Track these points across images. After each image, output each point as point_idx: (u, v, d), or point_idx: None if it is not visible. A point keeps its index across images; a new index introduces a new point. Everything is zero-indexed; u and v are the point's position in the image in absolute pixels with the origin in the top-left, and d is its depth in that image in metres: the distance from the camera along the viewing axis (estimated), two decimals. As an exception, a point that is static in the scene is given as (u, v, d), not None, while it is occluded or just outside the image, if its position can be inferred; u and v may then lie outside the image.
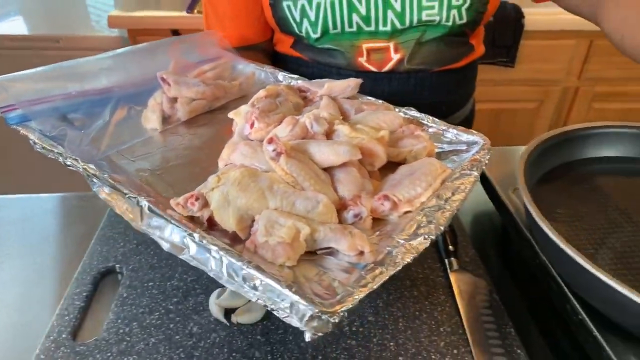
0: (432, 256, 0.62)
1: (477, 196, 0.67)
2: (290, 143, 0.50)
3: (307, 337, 0.36)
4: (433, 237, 0.43)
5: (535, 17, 1.66)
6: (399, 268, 0.40)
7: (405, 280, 0.58)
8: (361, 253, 0.43)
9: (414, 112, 0.63)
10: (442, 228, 0.44)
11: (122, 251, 0.61)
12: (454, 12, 0.68)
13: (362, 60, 0.73)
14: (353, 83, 0.63)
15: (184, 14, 1.62)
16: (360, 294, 0.37)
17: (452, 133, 0.59)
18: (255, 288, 0.38)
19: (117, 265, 0.59)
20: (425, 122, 0.62)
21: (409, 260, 0.41)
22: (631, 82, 1.84)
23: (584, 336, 0.46)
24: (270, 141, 0.49)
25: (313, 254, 0.45)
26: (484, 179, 0.67)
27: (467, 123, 0.88)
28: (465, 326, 0.52)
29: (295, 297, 0.36)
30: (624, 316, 0.43)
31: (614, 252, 0.51)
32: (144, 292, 0.55)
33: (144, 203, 0.44)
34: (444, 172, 0.52)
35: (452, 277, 0.58)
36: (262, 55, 0.79)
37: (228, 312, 0.52)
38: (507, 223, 0.62)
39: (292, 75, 0.69)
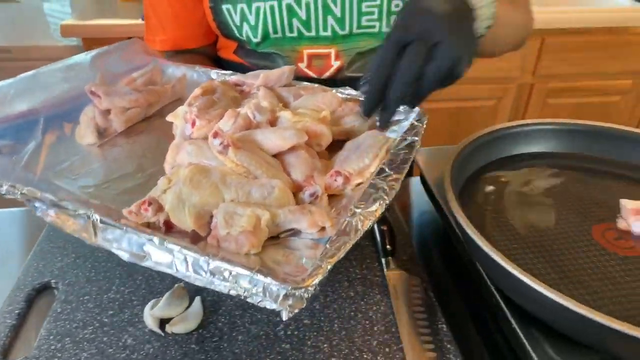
0: (370, 256, 0.63)
1: (422, 195, 0.68)
2: (236, 135, 0.51)
3: (284, 315, 0.37)
4: (387, 202, 0.46)
5: (488, 16, 1.70)
6: (361, 235, 0.42)
7: (343, 281, 0.59)
8: (323, 229, 0.45)
9: (350, 91, 0.66)
10: (394, 192, 0.47)
11: (60, 265, 0.60)
12: (395, 17, 0.70)
13: (303, 66, 0.74)
14: (287, 70, 0.65)
15: (139, 21, 1.61)
16: (329, 265, 0.39)
17: None
18: (225, 279, 0.39)
19: (52, 281, 0.58)
20: (362, 98, 0.63)
21: (369, 225, 0.43)
22: (582, 78, 1.90)
23: (507, 329, 0.48)
24: (216, 135, 0.50)
25: (277, 238, 0.47)
26: (423, 179, 0.68)
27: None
28: (398, 324, 0.53)
29: (267, 280, 0.37)
30: (543, 311, 0.44)
31: (537, 247, 0.53)
32: (78, 307, 0.54)
33: (95, 217, 0.43)
34: (387, 142, 0.55)
35: (388, 276, 0.59)
36: (204, 59, 0.79)
37: (163, 322, 0.52)
38: (443, 221, 0.63)
39: (225, 72, 0.70)
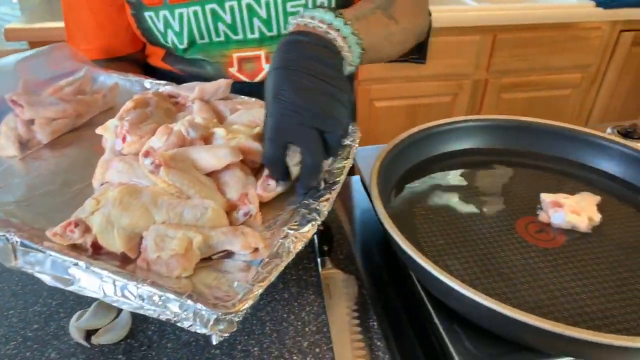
0: (307, 256, 0.63)
1: (363, 193, 0.69)
2: (169, 153, 0.50)
3: (214, 340, 0.37)
4: (319, 222, 0.47)
5: (441, 14, 1.73)
6: (293, 257, 0.43)
7: (278, 283, 0.59)
8: (256, 250, 0.45)
9: None
10: (325, 213, 0.49)
11: (-16, 280, 0.58)
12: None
13: (233, 70, 0.73)
14: (224, 84, 0.64)
15: (88, 24, 1.56)
16: (259, 289, 0.40)
17: None
18: (155, 304, 0.38)
19: (-25, 297, 0.56)
20: None
21: (300, 247, 0.44)
22: (534, 73, 1.95)
23: (429, 324, 0.49)
24: (147, 154, 0.49)
25: (209, 260, 0.46)
26: (361, 178, 0.69)
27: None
28: (330, 324, 0.53)
29: (198, 305, 0.37)
30: (460, 306, 0.45)
31: (462, 243, 0.54)
32: (2, 322, 0.53)
33: (15, 239, 0.42)
34: None
35: (323, 276, 0.59)
36: (133, 66, 0.78)
37: (90, 333, 0.51)
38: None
39: (160, 82, 0.68)
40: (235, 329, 0.37)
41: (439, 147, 0.67)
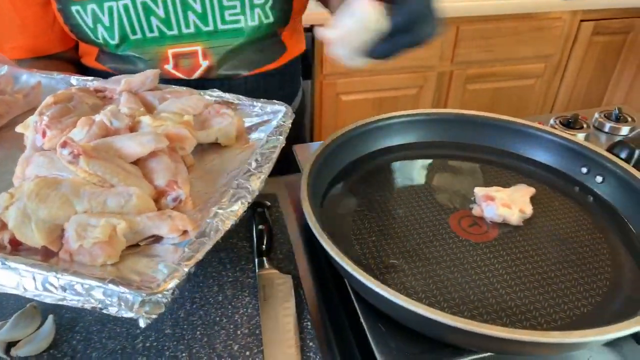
0: (246, 257, 0.62)
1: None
2: (91, 144, 0.49)
3: (142, 323, 0.36)
4: (249, 201, 0.47)
5: (403, 6, 1.72)
6: (222, 234, 0.43)
7: (213, 286, 0.58)
8: (185, 232, 0.44)
9: (219, 93, 0.66)
10: (256, 192, 0.48)
11: None
12: (258, 10, 0.69)
13: (169, 67, 0.71)
14: (151, 74, 0.63)
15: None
16: (185, 268, 0.39)
17: (258, 106, 0.64)
18: (78, 294, 0.38)
19: None
20: (231, 100, 0.65)
21: (229, 225, 0.44)
22: (498, 63, 1.97)
23: (356, 323, 0.48)
24: (64, 145, 0.47)
25: (137, 247, 0.45)
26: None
27: (299, 116, 0.89)
28: (262, 326, 0.52)
29: (121, 289, 0.37)
30: (382, 306, 0.45)
31: (394, 241, 0.54)
32: None
33: None
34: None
35: (260, 277, 0.58)
36: (66, 65, 0.75)
37: (10, 345, 0.49)
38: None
39: (87, 78, 0.66)
40: (162, 310, 0.37)
41: (376, 143, 0.66)
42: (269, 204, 0.68)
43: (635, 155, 0.59)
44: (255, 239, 0.63)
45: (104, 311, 0.37)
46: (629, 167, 0.57)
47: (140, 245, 0.46)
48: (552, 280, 0.48)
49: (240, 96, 0.66)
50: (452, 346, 0.43)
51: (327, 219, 0.56)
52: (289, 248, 0.63)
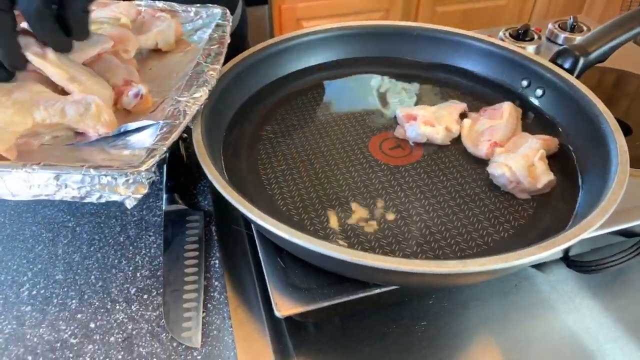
0: (156, 194, 0.56)
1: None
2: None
3: (129, 204, 0.37)
4: (210, 88, 0.46)
5: None
6: (190, 118, 0.42)
7: (115, 226, 0.53)
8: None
9: (148, 1, 0.62)
10: (215, 79, 0.47)
11: None
12: None
13: None
14: None
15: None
16: (164, 146, 0.38)
17: (192, 11, 0.61)
18: (57, 186, 0.37)
19: None
20: (162, 7, 0.62)
21: (196, 109, 0.43)
22: (468, -18, 1.84)
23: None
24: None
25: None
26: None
27: (239, 39, 0.81)
28: (164, 266, 0.48)
29: (103, 171, 0.36)
30: (279, 242, 0.40)
31: (306, 169, 0.48)
32: None
33: None
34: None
35: (166, 214, 0.53)
36: None
37: None
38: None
39: None
40: (146, 191, 0.37)
41: (291, 65, 0.59)
42: (184, 135, 0.61)
43: (580, 64, 0.53)
44: (165, 174, 0.57)
45: (86, 200, 0.37)
46: (571, 78, 0.51)
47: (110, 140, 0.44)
48: (475, 204, 0.44)
49: (173, 3, 0.62)
50: (356, 281, 0.39)
51: (232, 148, 0.50)
52: (204, 183, 0.58)
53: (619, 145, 0.42)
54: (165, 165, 0.58)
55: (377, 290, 0.38)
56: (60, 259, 0.49)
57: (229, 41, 0.54)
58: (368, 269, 0.33)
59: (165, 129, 0.41)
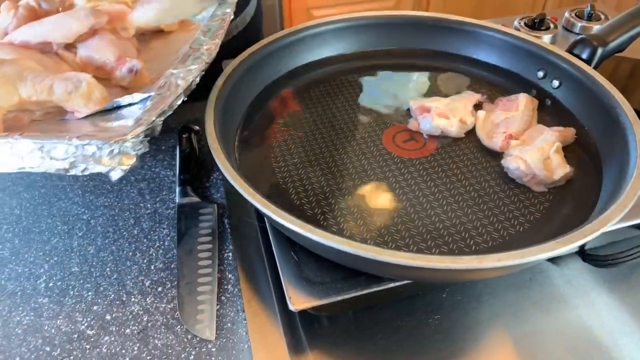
0: (169, 187, 0.57)
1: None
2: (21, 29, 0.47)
3: (116, 175, 0.35)
4: (207, 62, 0.45)
5: None
6: (182, 90, 0.41)
7: (129, 219, 0.53)
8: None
9: None
10: (213, 54, 0.46)
11: None
12: None
13: None
14: None
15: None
16: (152, 117, 0.37)
17: None
18: (41, 157, 0.36)
19: None
20: None
21: (190, 80, 0.42)
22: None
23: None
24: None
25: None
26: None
27: (253, 30, 0.80)
28: (179, 258, 0.48)
29: (86, 141, 0.35)
30: (292, 236, 0.40)
31: (319, 164, 0.48)
32: None
33: None
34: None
35: (180, 207, 0.53)
36: None
37: None
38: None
39: None
40: (134, 161, 0.35)
41: (303, 56, 0.58)
42: (197, 128, 0.62)
43: (598, 55, 0.52)
44: (178, 167, 0.57)
45: (71, 172, 0.35)
46: (588, 69, 0.50)
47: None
48: (489, 197, 0.43)
49: None
50: (369, 275, 0.39)
51: (245, 140, 0.50)
52: (217, 175, 0.58)
53: (638, 138, 0.41)
54: (178, 159, 0.58)
55: (391, 285, 0.38)
56: (76, 251, 0.50)
57: (231, 17, 0.53)
58: (381, 264, 0.33)
59: (156, 99, 0.40)
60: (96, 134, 0.38)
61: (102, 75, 0.48)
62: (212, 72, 0.52)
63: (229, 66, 0.51)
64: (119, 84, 0.47)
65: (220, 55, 0.60)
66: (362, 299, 0.39)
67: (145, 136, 0.36)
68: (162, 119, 0.38)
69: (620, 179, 0.39)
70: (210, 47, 0.46)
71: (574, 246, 0.32)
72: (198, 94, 0.49)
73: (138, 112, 0.41)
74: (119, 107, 0.43)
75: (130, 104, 0.43)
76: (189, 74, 0.42)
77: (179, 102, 0.40)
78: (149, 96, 0.41)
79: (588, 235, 0.33)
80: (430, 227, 0.41)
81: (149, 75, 0.48)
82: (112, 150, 0.35)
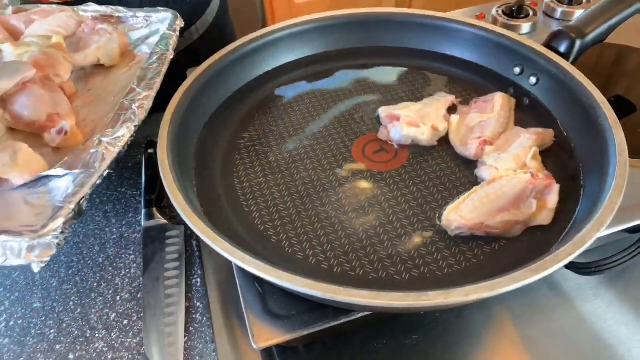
0: (135, 208, 0.54)
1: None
2: None
3: (35, 268, 0.34)
4: (136, 124, 0.44)
5: None
6: (108, 164, 0.40)
7: (94, 245, 0.51)
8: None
9: (95, 7, 0.59)
10: (145, 111, 0.45)
11: None
12: None
13: None
14: None
15: None
16: (71, 205, 0.37)
17: (141, 17, 0.58)
18: None
19: None
20: (109, 14, 0.59)
21: (116, 154, 0.41)
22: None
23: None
24: None
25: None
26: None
27: (217, 30, 0.77)
28: (144, 287, 0.46)
29: (2, 238, 0.35)
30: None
31: (284, 180, 0.46)
32: None
33: None
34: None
35: (146, 230, 0.51)
36: None
37: None
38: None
39: None
40: (54, 252, 0.35)
41: (267, 63, 0.55)
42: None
43: (576, 47, 0.49)
44: (143, 187, 0.55)
45: None
46: (565, 64, 0.47)
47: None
48: (459, 212, 0.41)
49: (120, 7, 0.59)
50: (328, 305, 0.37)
51: (206, 159, 0.47)
52: (185, 193, 0.56)
53: (618, 143, 0.39)
54: (143, 178, 0.55)
55: (360, 315, 0.36)
56: (38, 284, 0.48)
57: (172, 57, 0.51)
58: (345, 304, 0.31)
59: (79, 178, 0.39)
60: (28, 216, 0.38)
61: (34, 130, 0.45)
62: (177, 80, 0.49)
63: (182, 86, 0.48)
64: (50, 145, 0.45)
65: (184, 63, 0.58)
66: (331, 330, 0.37)
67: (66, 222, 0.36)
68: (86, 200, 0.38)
69: (600, 190, 0.37)
70: (144, 103, 0.45)
71: (546, 274, 0.30)
72: (165, 102, 0.47)
73: (67, 185, 0.40)
74: (49, 177, 0.41)
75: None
76: (117, 143, 0.42)
77: (105, 174, 0.40)
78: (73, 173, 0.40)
79: (560, 261, 0.31)
80: (401, 248, 0.39)
81: (80, 133, 0.46)
82: (30, 245, 0.34)
